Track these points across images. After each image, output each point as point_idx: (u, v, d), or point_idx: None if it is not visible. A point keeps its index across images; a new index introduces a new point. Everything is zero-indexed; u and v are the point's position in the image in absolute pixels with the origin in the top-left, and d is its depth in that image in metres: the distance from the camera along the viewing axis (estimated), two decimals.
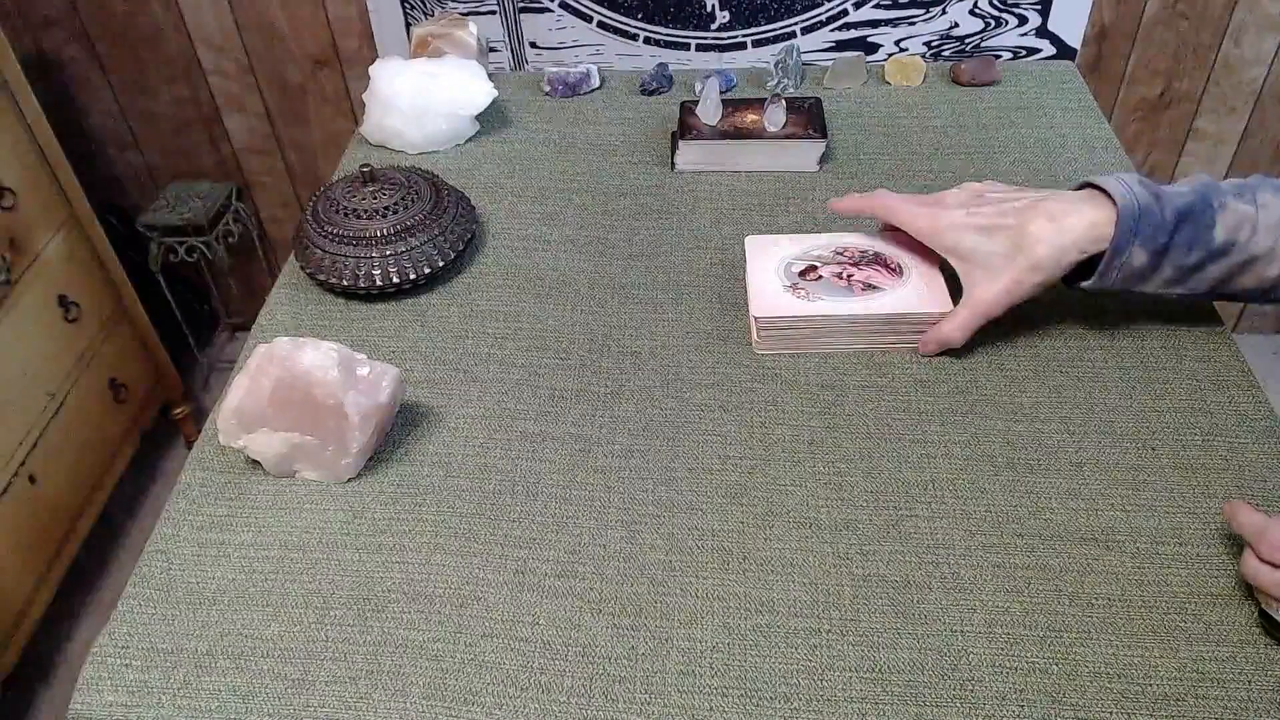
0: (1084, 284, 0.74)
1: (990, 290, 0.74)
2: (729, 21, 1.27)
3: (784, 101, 1.02)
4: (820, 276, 0.81)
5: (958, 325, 0.76)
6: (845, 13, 1.26)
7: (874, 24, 1.27)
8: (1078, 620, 0.60)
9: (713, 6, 1.26)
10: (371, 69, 1.07)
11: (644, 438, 0.74)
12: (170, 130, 1.63)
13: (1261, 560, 0.57)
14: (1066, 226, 0.71)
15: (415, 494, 0.71)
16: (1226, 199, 0.70)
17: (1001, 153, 1.03)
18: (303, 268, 0.88)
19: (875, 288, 0.79)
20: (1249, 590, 0.60)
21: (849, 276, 0.81)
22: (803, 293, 0.79)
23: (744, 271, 0.85)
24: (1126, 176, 0.72)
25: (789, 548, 0.65)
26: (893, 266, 0.81)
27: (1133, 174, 0.73)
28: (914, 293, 0.79)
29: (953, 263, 0.77)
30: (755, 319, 0.79)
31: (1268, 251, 0.69)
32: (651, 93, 1.17)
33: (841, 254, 0.83)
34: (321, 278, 0.86)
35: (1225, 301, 0.75)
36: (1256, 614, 0.59)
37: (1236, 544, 0.63)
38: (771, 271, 0.82)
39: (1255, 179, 0.72)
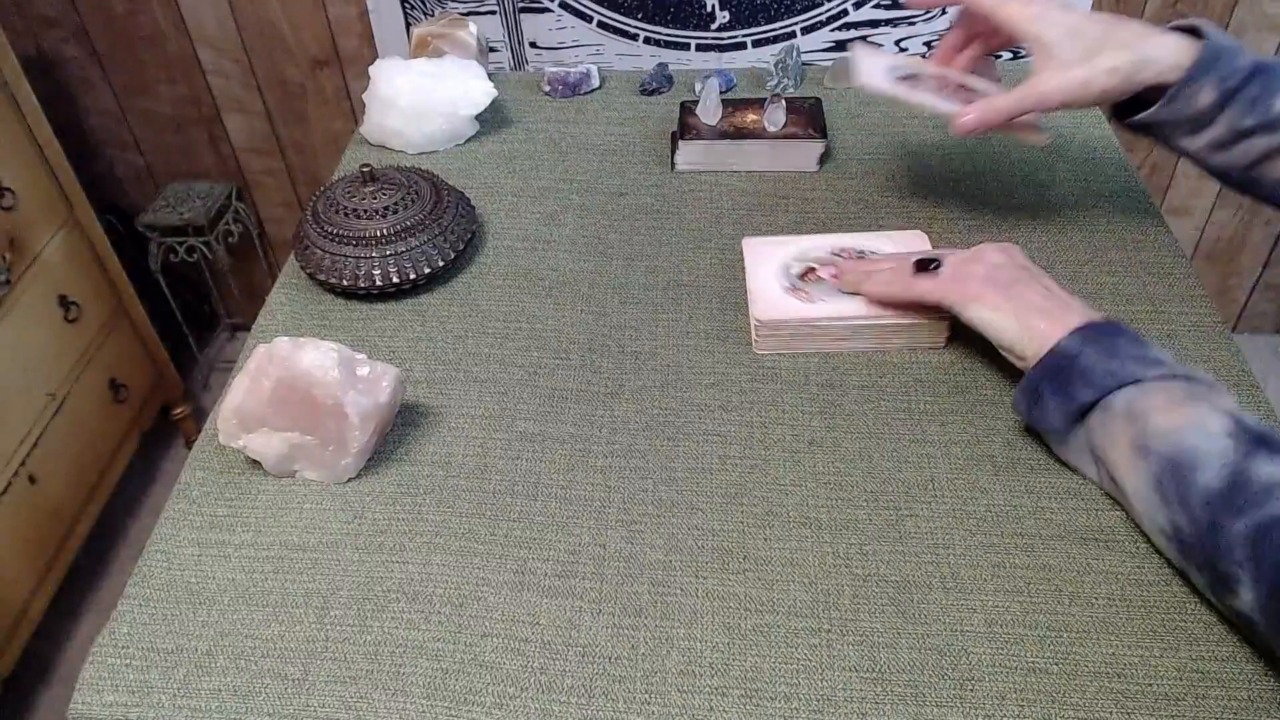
0: (1141, 115, 0.74)
1: (1057, 79, 0.74)
2: (729, 21, 1.27)
3: (784, 101, 1.02)
4: (820, 278, 0.81)
5: (1011, 101, 0.77)
6: (845, 13, 1.26)
7: (874, 24, 1.27)
8: (1078, 620, 0.60)
9: (713, 6, 1.26)
10: (371, 69, 1.07)
11: (644, 438, 0.74)
12: (170, 130, 1.63)
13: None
14: (1153, 42, 0.73)
15: (415, 494, 0.71)
16: None
17: (1001, 153, 1.03)
18: (303, 268, 0.88)
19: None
20: None
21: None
22: (803, 295, 0.79)
23: (743, 272, 0.85)
24: (1211, 24, 0.74)
25: (789, 548, 0.65)
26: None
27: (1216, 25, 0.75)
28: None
29: (1029, 48, 0.77)
30: (758, 322, 0.78)
31: None
32: (651, 93, 1.17)
33: (839, 254, 0.83)
34: (321, 278, 0.86)
35: (1249, 196, 0.76)
36: None
37: None
38: (771, 274, 0.82)
39: None
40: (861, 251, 0.83)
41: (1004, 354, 0.71)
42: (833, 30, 1.28)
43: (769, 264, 0.83)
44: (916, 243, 0.85)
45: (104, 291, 1.52)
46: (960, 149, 1.04)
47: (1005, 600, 0.62)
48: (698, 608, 0.62)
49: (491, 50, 1.29)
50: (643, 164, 1.04)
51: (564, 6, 1.28)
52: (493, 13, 1.30)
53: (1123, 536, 0.65)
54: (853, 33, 1.27)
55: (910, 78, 0.84)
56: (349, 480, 0.72)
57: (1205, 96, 0.71)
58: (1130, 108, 0.76)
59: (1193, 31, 0.74)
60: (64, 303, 1.41)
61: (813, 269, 0.82)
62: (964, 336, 0.79)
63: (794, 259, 0.83)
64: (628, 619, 0.62)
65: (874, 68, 0.85)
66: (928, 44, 1.27)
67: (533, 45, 1.32)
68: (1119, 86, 0.74)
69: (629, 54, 1.31)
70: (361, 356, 0.71)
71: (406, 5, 1.33)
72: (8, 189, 1.31)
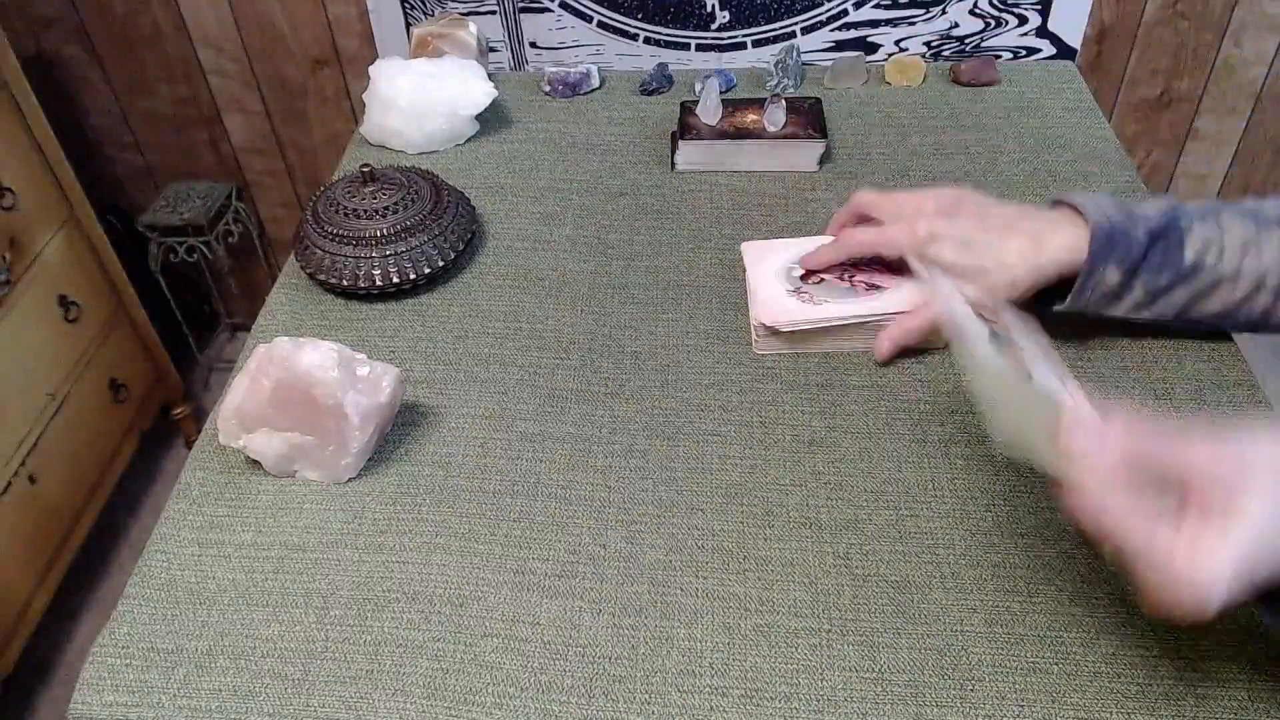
0: (1057, 307, 0.73)
1: (974, 294, 0.73)
2: (729, 21, 1.27)
3: (784, 101, 1.02)
4: (822, 279, 0.81)
5: (915, 327, 0.76)
6: (845, 13, 1.26)
7: (874, 24, 1.27)
8: (1078, 620, 0.60)
9: (713, 6, 1.26)
10: (371, 69, 1.07)
11: (644, 438, 0.74)
12: (170, 130, 1.63)
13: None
14: (1046, 247, 0.71)
15: (415, 494, 0.71)
16: (1193, 222, 0.70)
17: (1001, 153, 1.03)
18: (303, 268, 0.88)
19: (878, 287, 0.79)
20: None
21: (850, 277, 0.81)
22: (806, 296, 0.79)
23: (743, 272, 0.85)
24: (1098, 196, 0.72)
25: (789, 548, 0.65)
26: (893, 265, 0.81)
27: (1103, 194, 0.74)
28: (919, 290, 0.78)
29: (924, 272, 0.75)
30: (764, 326, 0.78)
31: (1233, 273, 0.69)
32: (651, 93, 1.17)
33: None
34: (321, 278, 0.86)
35: (1189, 327, 0.75)
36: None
37: None
38: (772, 276, 0.82)
39: (1212, 204, 0.72)
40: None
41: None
42: (833, 30, 1.27)
43: (770, 266, 0.83)
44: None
45: (104, 291, 1.52)
46: (960, 150, 1.04)
47: (1005, 600, 0.62)
48: (698, 608, 0.62)
49: (491, 50, 1.29)
50: (643, 164, 1.04)
51: (564, 6, 1.28)
52: (493, 13, 1.29)
53: None
54: (853, 33, 1.27)
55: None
56: (349, 480, 0.72)
57: (1111, 278, 0.70)
58: (1046, 296, 0.74)
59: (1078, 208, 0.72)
60: (64, 303, 1.41)
61: (815, 270, 0.82)
62: None
63: (794, 262, 0.83)
64: (628, 619, 0.62)
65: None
66: (927, 44, 1.27)
67: (533, 45, 1.32)
68: (1025, 295, 0.73)
69: (629, 54, 1.31)
70: (361, 356, 0.71)
71: (406, 5, 1.33)
72: (8, 189, 1.30)
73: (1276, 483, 0.46)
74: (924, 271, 0.73)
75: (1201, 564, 0.45)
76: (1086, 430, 0.50)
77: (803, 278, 0.81)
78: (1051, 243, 0.71)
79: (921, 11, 1.25)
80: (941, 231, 0.75)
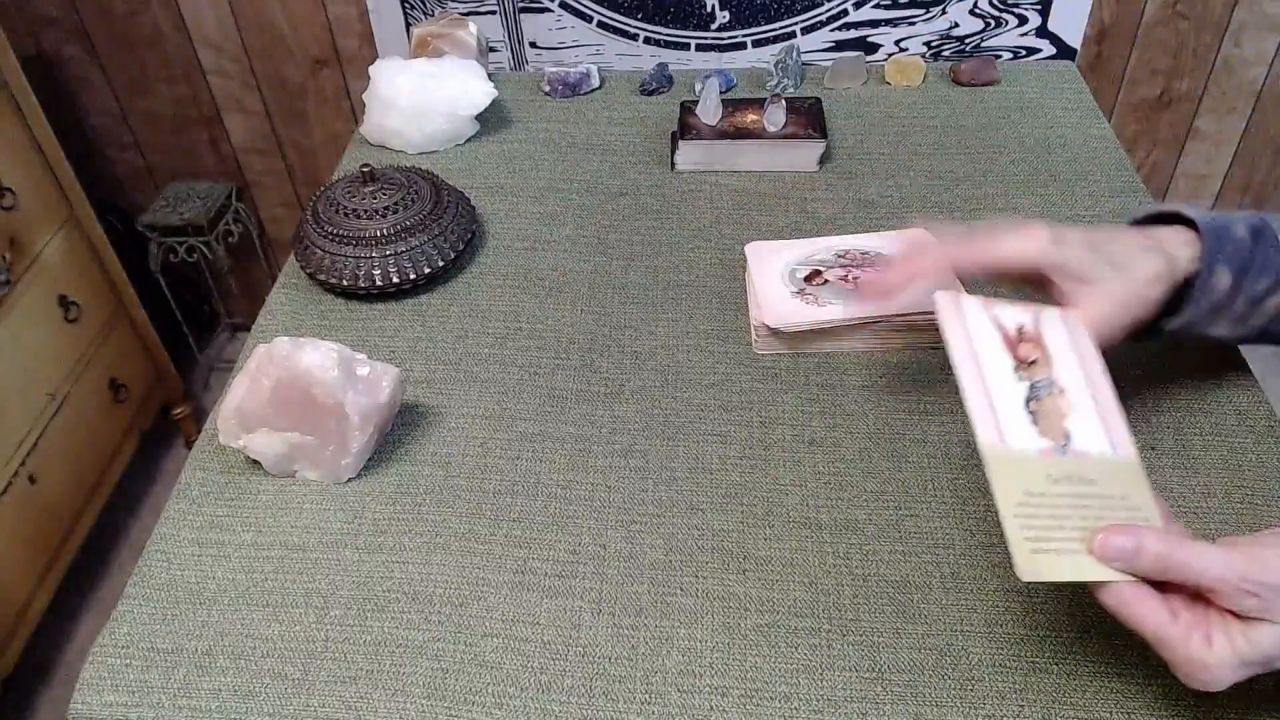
0: (1169, 324, 0.65)
1: (1105, 306, 0.63)
2: (729, 21, 1.27)
3: (784, 101, 1.02)
4: (826, 280, 0.81)
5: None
6: (845, 13, 1.26)
7: (874, 24, 1.27)
8: (1078, 620, 0.60)
9: (713, 6, 1.26)
10: (371, 69, 1.07)
11: (644, 438, 0.74)
12: (170, 130, 1.63)
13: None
14: (1166, 244, 0.65)
15: (415, 494, 0.71)
16: (1277, 224, 0.66)
17: (1001, 153, 1.03)
18: (303, 268, 0.88)
19: None
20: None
21: (854, 279, 0.81)
22: (810, 298, 0.79)
23: (744, 272, 0.85)
24: (1186, 205, 0.67)
25: (789, 548, 0.65)
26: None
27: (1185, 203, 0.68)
28: (922, 291, 0.78)
29: (1059, 281, 0.64)
30: (767, 327, 0.78)
31: None
32: (651, 93, 1.17)
33: (843, 256, 0.83)
34: (321, 278, 0.86)
35: (1269, 344, 0.70)
36: None
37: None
38: (776, 278, 0.82)
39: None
40: (865, 252, 0.83)
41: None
42: (833, 30, 1.27)
43: (773, 268, 0.83)
44: (917, 238, 0.85)
45: (104, 291, 1.52)
46: (960, 150, 1.04)
47: (1005, 600, 0.62)
48: (698, 608, 0.62)
49: (491, 50, 1.29)
50: (643, 164, 1.04)
51: (564, 6, 1.28)
52: (493, 13, 1.29)
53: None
54: (853, 33, 1.27)
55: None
56: (349, 480, 0.72)
57: (1222, 280, 0.64)
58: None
59: (1168, 219, 0.67)
60: (64, 303, 1.41)
61: (818, 272, 0.82)
62: None
63: (799, 262, 0.83)
64: (628, 619, 0.62)
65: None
66: (927, 44, 1.27)
67: (533, 45, 1.32)
68: (1165, 290, 0.64)
69: (629, 54, 1.31)
70: (361, 356, 0.71)
71: (406, 5, 1.33)
72: (8, 189, 1.30)
73: None
74: (950, 305, 0.59)
75: (1211, 669, 0.51)
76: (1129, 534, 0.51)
77: (807, 279, 0.81)
78: (1168, 239, 0.64)
79: (921, 11, 1.25)
80: (1069, 236, 0.65)
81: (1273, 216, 0.67)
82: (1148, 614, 0.52)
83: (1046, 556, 0.50)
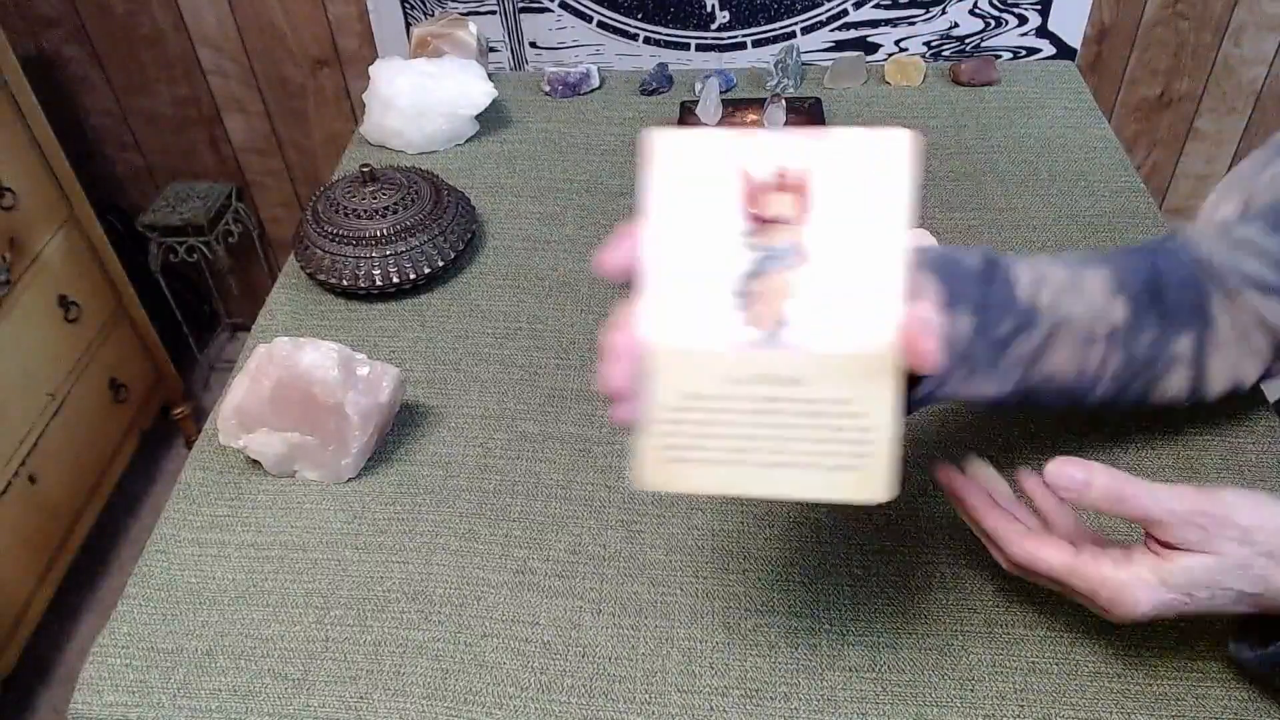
0: (920, 388, 0.50)
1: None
2: (729, 21, 1.27)
3: (784, 101, 1.01)
4: None
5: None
6: (845, 13, 1.26)
7: (874, 24, 1.27)
8: (1078, 620, 0.60)
9: (713, 6, 1.26)
10: (371, 69, 1.07)
11: None
12: (170, 130, 1.63)
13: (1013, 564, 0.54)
14: None
15: (415, 494, 0.71)
16: (1007, 257, 0.55)
17: (1001, 153, 1.03)
18: (303, 268, 0.88)
19: None
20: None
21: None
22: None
23: None
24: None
25: (789, 548, 0.65)
26: None
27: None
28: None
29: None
30: None
31: (1067, 318, 0.55)
32: (651, 93, 1.17)
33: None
34: (321, 278, 0.86)
35: (1037, 406, 0.59)
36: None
37: None
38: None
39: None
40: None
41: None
42: (833, 30, 1.27)
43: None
44: (919, 242, 0.84)
45: (104, 291, 1.52)
46: (960, 150, 1.04)
47: (1005, 600, 0.62)
48: (698, 608, 0.62)
49: (491, 50, 1.29)
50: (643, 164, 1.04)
51: (564, 6, 1.28)
52: (493, 13, 1.29)
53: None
54: (853, 33, 1.27)
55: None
56: (349, 480, 0.72)
57: (961, 324, 0.51)
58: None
59: None
60: (64, 303, 1.41)
61: None
62: None
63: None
64: (628, 619, 0.62)
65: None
66: (927, 44, 1.27)
67: (533, 45, 1.32)
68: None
69: (629, 54, 1.31)
70: (361, 356, 0.71)
71: (406, 5, 1.33)
72: (8, 189, 1.30)
73: (1239, 540, 0.48)
74: (668, 145, 0.42)
75: (1128, 587, 0.49)
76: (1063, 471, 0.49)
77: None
78: None
79: (921, 11, 1.25)
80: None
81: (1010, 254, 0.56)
82: (1052, 553, 0.51)
83: (685, 466, 0.40)
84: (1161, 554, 0.49)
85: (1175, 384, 0.60)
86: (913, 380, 0.49)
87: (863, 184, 0.39)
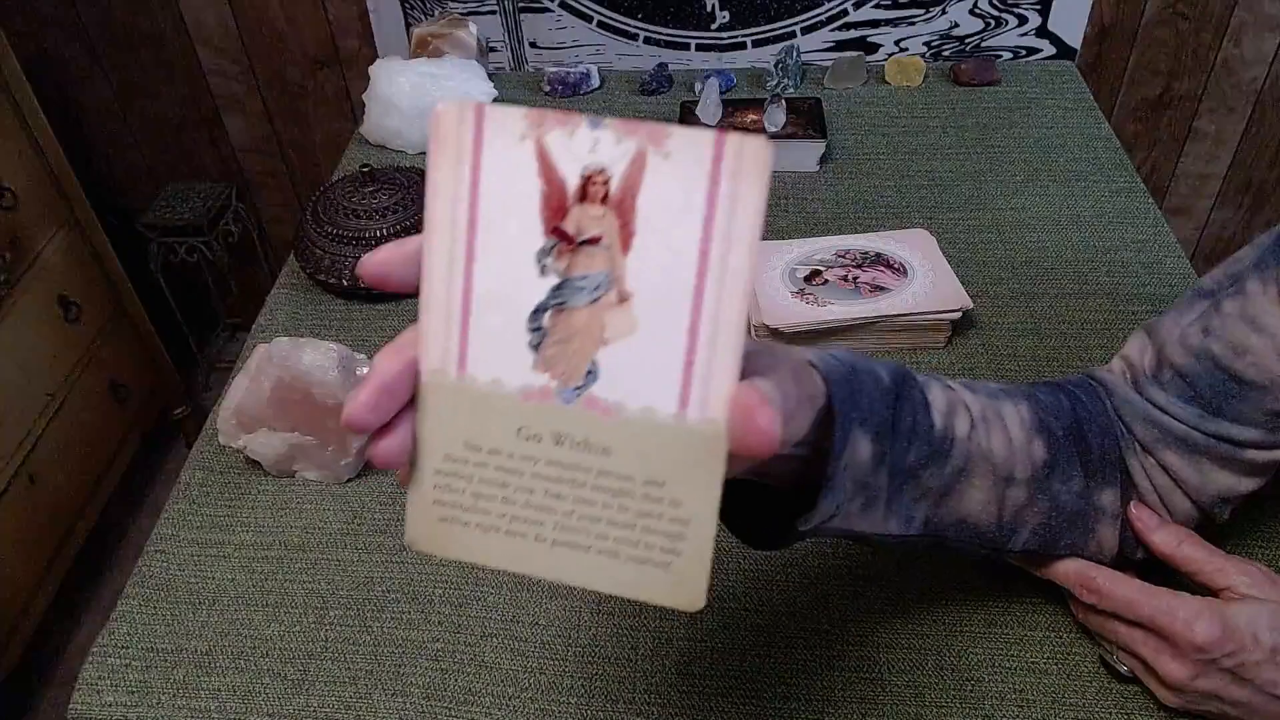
0: (803, 524, 0.43)
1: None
2: (729, 21, 1.27)
3: (784, 101, 1.02)
4: (826, 280, 0.81)
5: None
6: (845, 13, 1.26)
7: (874, 24, 1.27)
8: (1077, 621, 0.60)
9: (713, 6, 1.26)
10: (371, 69, 1.07)
11: None
12: (170, 130, 1.62)
13: (1083, 605, 0.57)
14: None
15: None
16: (923, 377, 0.50)
17: (1001, 153, 1.03)
18: (303, 268, 0.88)
19: (882, 288, 0.79)
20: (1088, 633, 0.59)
21: (855, 279, 0.81)
22: (811, 298, 0.79)
23: None
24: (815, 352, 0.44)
25: (788, 548, 0.65)
26: (896, 266, 0.81)
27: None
28: (923, 291, 0.78)
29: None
30: (768, 328, 0.78)
31: (985, 452, 0.50)
32: (651, 93, 1.17)
33: (844, 256, 0.83)
34: (321, 278, 0.86)
35: (944, 552, 0.54)
36: (1098, 658, 0.58)
37: (1239, 543, 0.63)
38: (776, 278, 0.82)
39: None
40: (866, 253, 0.83)
41: None
42: (833, 30, 1.27)
43: (773, 269, 0.83)
44: (919, 242, 0.84)
45: (104, 292, 1.52)
46: (960, 150, 1.04)
47: (1005, 601, 0.62)
48: None
49: (491, 50, 1.29)
50: None
51: (564, 6, 1.28)
52: (493, 13, 1.29)
53: None
54: (853, 33, 1.27)
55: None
56: (349, 480, 0.72)
57: (862, 449, 0.44)
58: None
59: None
60: (64, 303, 1.41)
61: (818, 272, 0.82)
62: (964, 336, 0.80)
63: (799, 262, 0.83)
64: (628, 619, 0.62)
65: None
66: (927, 44, 1.27)
67: (533, 45, 1.32)
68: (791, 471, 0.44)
69: (629, 54, 1.31)
70: (361, 356, 0.71)
71: (406, 5, 1.33)
72: (8, 189, 1.30)
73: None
74: (455, 121, 0.32)
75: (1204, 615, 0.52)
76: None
77: (807, 279, 0.81)
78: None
79: (921, 11, 1.25)
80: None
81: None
82: (1149, 598, 0.54)
83: (462, 531, 0.34)
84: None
85: (1110, 538, 0.56)
86: (801, 505, 0.43)
87: (703, 204, 0.30)
